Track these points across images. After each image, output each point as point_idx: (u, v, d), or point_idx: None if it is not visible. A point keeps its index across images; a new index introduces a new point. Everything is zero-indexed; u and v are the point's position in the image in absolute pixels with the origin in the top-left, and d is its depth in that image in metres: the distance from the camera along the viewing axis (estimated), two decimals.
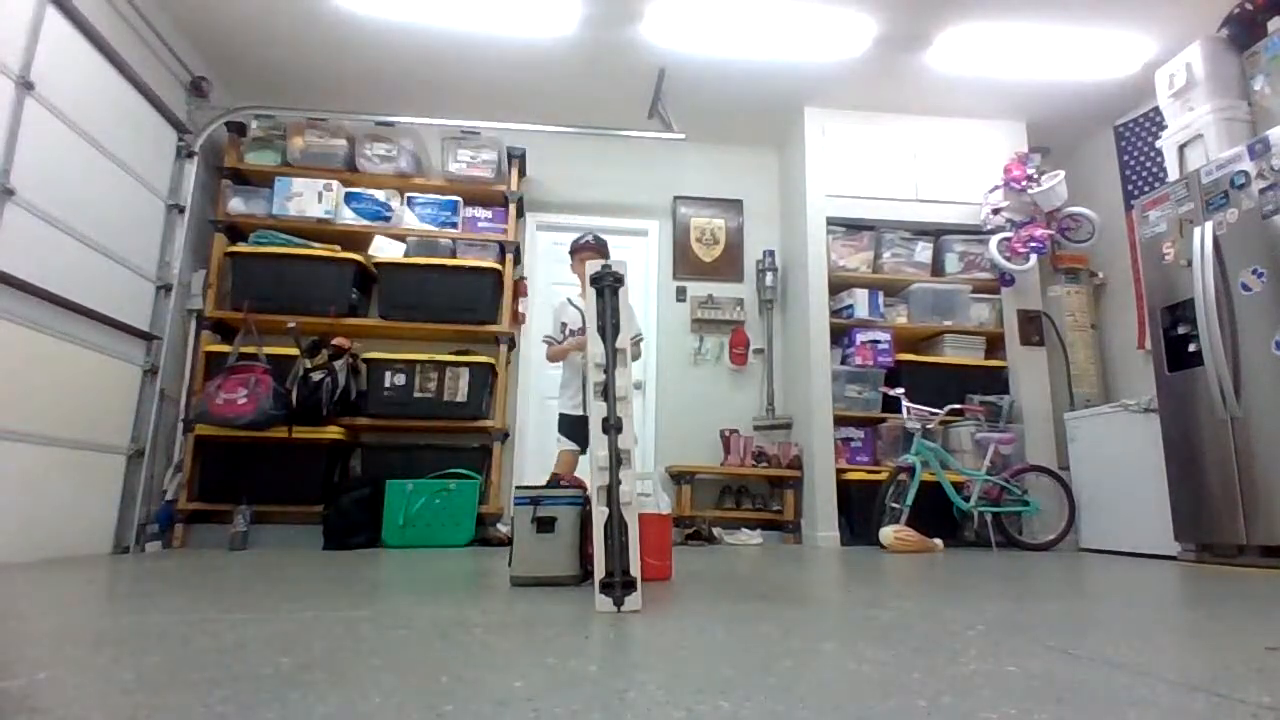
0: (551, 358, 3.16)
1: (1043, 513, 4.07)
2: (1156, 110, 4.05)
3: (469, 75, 4.31)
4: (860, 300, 4.53)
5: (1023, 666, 1.11)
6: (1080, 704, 0.92)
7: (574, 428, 3.02)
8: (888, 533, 3.73)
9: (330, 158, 4.31)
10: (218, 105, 4.16)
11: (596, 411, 1.84)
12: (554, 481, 2.45)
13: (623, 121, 4.53)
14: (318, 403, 3.78)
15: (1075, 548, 4.05)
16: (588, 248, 3.07)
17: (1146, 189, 4.32)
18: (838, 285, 4.58)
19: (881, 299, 4.58)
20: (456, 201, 4.40)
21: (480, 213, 4.47)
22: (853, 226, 4.66)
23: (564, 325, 3.10)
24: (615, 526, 1.72)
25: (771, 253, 4.87)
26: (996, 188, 4.58)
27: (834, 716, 0.85)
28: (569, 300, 3.16)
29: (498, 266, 4.34)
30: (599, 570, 1.70)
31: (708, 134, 4.92)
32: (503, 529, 3.91)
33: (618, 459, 1.77)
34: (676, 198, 5.05)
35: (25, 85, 2.77)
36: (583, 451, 2.95)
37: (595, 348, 1.89)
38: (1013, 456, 4.24)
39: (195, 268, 4.06)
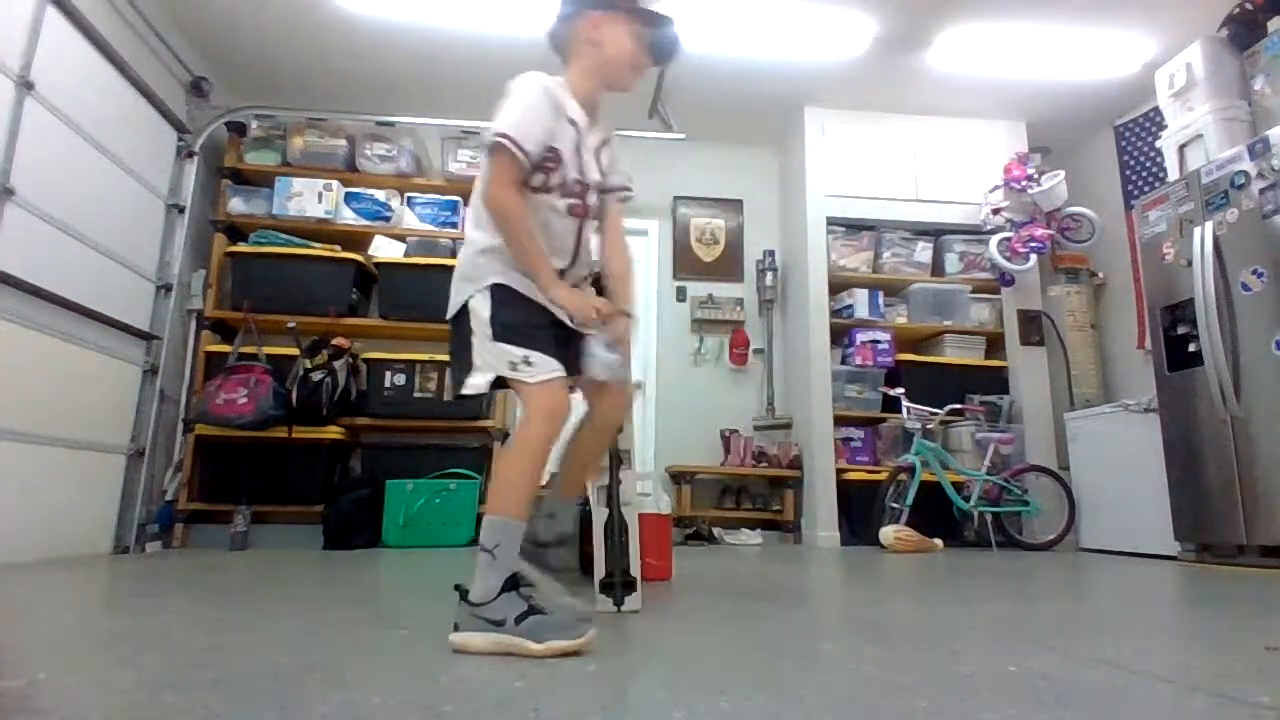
0: (513, 225, 1.42)
1: (1043, 513, 4.07)
2: (1156, 110, 4.05)
3: (469, 75, 4.30)
4: (860, 300, 4.53)
5: (1023, 666, 1.11)
6: (1080, 704, 0.92)
7: (540, 324, 1.45)
8: (888, 533, 3.73)
9: (330, 158, 4.30)
10: (218, 105, 4.15)
11: None
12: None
13: (623, 121, 4.51)
14: (318, 403, 3.77)
15: (1075, 548, 4.05)
16: (636, 6, 1.59)
17: (1146, 189, 4.32)
18: (838, 285, 4.58)
19: (881, 299, 4.58)
20: (456, 201, 4.40)
21: None
22: (853, 226, 4.66)
23: (550, 154, 1.49)
24: (615, 526, 1.72)
25: (771, 253, 4.87)
26: (996, 188, 4.58)
27: (834, 716, 0.85)
28: (563, 98, 1.53)
29: None
30: (599, 570, 1.70)
31: (708, 134, 4.91)
32: None
33: (618, 459, 1.77)
34: (676, 198, 5.05)
35: (25, 85, 2.76)
36: (574, 378, 1.49)
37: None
38: (1013, 456, 4.23)
39: (195, 268, 4.06)
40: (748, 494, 4.56)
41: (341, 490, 3.77)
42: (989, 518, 3.99)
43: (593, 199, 1.56)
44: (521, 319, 1.42)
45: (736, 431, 4.54)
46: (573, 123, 1.52)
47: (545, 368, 1.37)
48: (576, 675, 1.06)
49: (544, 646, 1.17)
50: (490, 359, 1.40)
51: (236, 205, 4.19)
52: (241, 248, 4.11)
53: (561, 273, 1.51)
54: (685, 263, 4.98)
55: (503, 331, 1.40)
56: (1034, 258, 4.45)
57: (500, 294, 1.43)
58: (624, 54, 1.57)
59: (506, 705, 0.88)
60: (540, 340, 1.41)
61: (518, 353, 1.38)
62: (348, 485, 3.84)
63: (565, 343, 1.47)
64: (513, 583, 1.25)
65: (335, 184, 4.22)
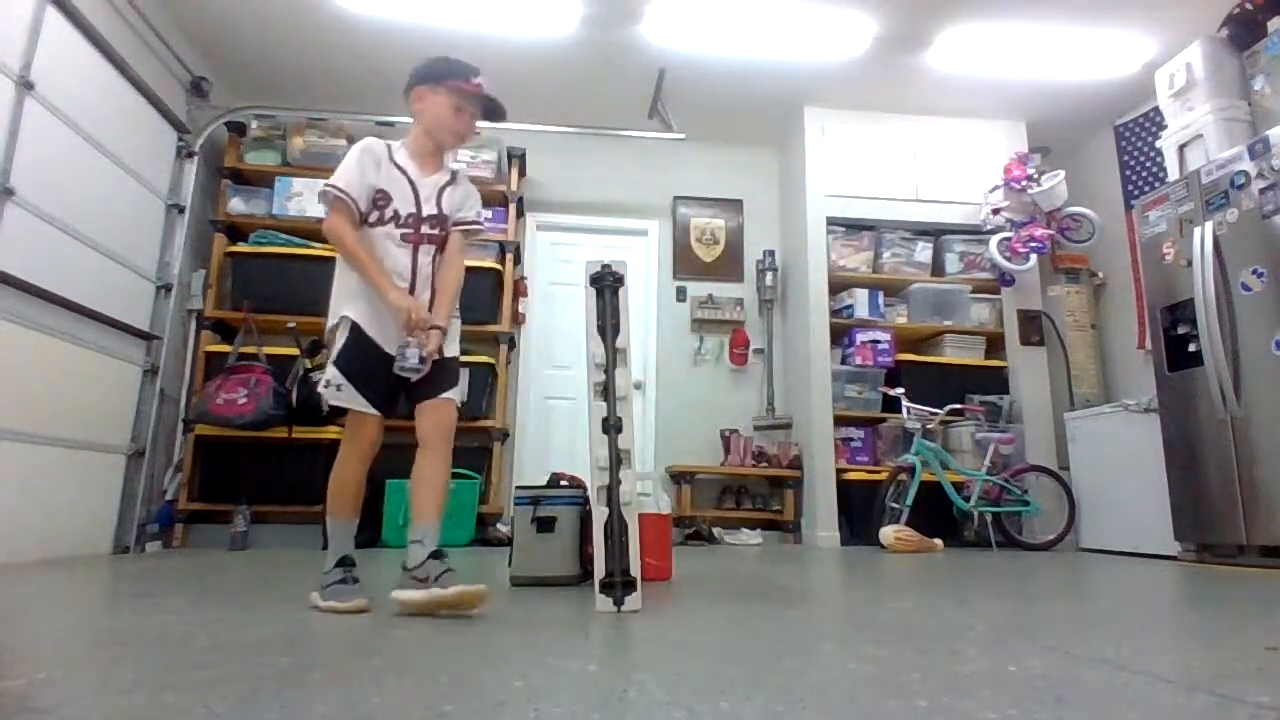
0: (346, 249, 1.71)
1: (1043, 513, 4.07)
2: (1156, 110, 4.05)
3: None
4: (860, 300, 4.53)
5: (1023, 666, 1.11)
6: (1080, 704, 0.92)
7: (374, 366, 1.72)
8: (888, 533, 3.73)
9: (330, 158, 4.29)
10: (218, 105, 4.16)
11: (596, 412, 1.83)
12: (554, 481, 2.44)
13: (623, 121, 4.52)
14: (318, 403, 3.76)
15: (1075, 548, 4.05)
16: (457, 84, 1.78)
17: (1146, 189, 4.32)
18: (838, 285, 4.58)
19: (881, 299, 4.58)
20: None
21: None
22: (853, 226, 4.66)
23: (380, 195, 1.76)
24: (615, 526, 1.72)
25: (771, 253, 4.87)
26: (996, 188, 4.58)
27: (834, 717, 0.85)
28: (391, 152, 1.80)
29: (498, 266, 4.33)
30: (599, 570, 1.70)
31: (708, 134, 4.91)
32: (503, 529, 3.91)
33: (618, 459, 1.77)
34: (676, 198, 5.05)
35: (25, 85, 2.77)
36: (388, 415, 1.79)
37: (595, 347, 1.89)
38: (1013, 456, 4.23)
39: (195, 268, 4.06)
40: (748, 494, 4.56)
41: None
42: (989, 518, 3.99)
43: (426, 229, 1.80)
44: (356, 356, 1.71)
45: (736, 431, 4.54)
46: (402, 170, 1.79)
47: (347, 399, 1.71)
48: (576, 675, 1.06)
49: (325, 604, 1.62)
50: (326, 375, 1.72)
51: (236, 205, 4.19)
52: (241, 248, 4.12)
53: (412, 291, 1.76)
54: (685, 263, 4.98)
55: (340, 360, 1.71)
56: (1034, 258, 4.46)
57: (353, 332, 1.72)
58: (440, 121, 1.81)
59: (506, 705, 0.88)
60: (364, 377, 1.71)
61: (338, 378, 1.70)
62: None
63: (394, 389, 1.76)
64: (342, 562, 1.70)
65: None
